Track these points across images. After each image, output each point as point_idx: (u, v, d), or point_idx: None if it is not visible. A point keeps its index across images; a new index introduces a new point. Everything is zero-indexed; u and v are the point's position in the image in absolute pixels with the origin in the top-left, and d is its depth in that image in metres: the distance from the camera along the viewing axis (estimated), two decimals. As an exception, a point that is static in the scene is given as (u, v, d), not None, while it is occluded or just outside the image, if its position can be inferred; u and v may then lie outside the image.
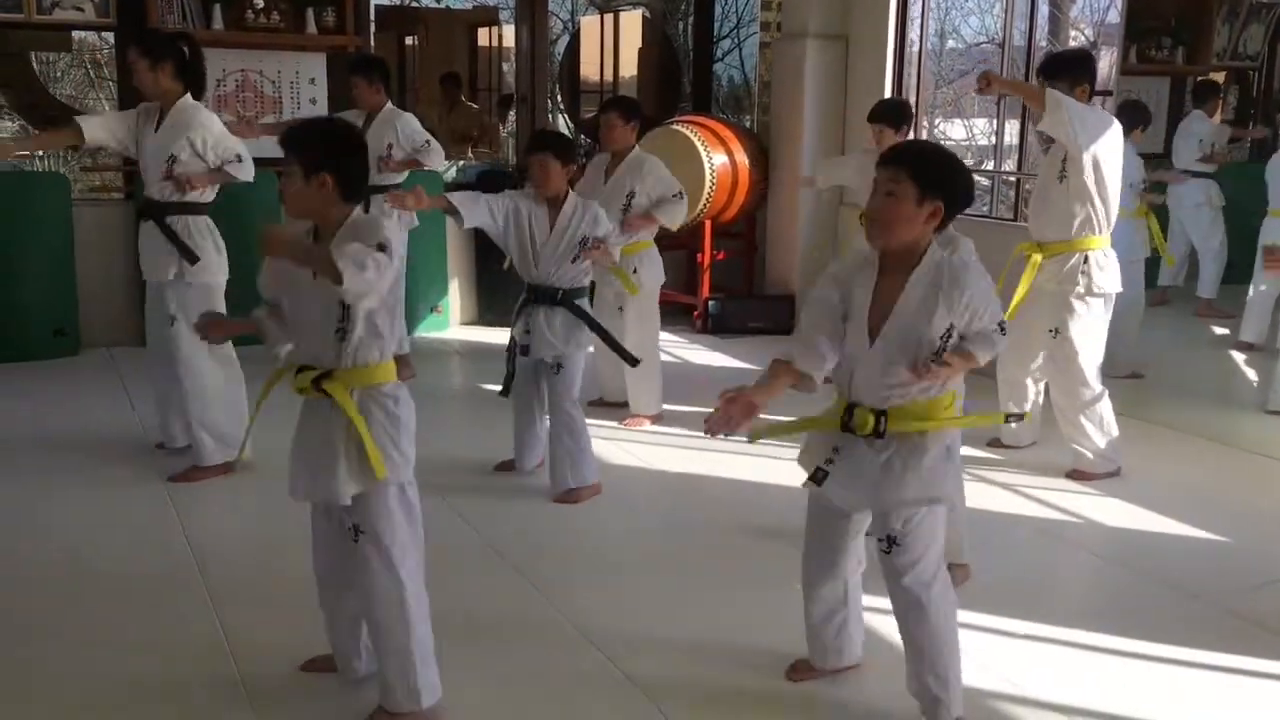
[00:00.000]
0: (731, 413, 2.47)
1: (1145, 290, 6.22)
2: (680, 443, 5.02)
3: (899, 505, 2.57)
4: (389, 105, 5.87)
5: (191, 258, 4.31)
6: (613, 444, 4.95)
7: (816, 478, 2.64)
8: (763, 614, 3.34)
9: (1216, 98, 6.85)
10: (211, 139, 4.32)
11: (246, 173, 4.41)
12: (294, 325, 2.64)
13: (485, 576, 3.63)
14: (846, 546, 2.78)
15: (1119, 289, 4.54)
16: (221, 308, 4.34)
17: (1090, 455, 4.58)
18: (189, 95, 4.33)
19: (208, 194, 4.41)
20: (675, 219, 5.21)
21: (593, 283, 5.26)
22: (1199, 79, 7.00)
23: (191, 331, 4.24)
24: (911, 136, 7.00)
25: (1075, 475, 4.61)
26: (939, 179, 2.46)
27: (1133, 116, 6.07)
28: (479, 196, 4.25)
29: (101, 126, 4.37)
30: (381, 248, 2.44)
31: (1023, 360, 4.69)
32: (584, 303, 4.33)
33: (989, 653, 3.15)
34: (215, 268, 4.39)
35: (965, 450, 4.91)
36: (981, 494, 4.48)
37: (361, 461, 2.53)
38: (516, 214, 4.22)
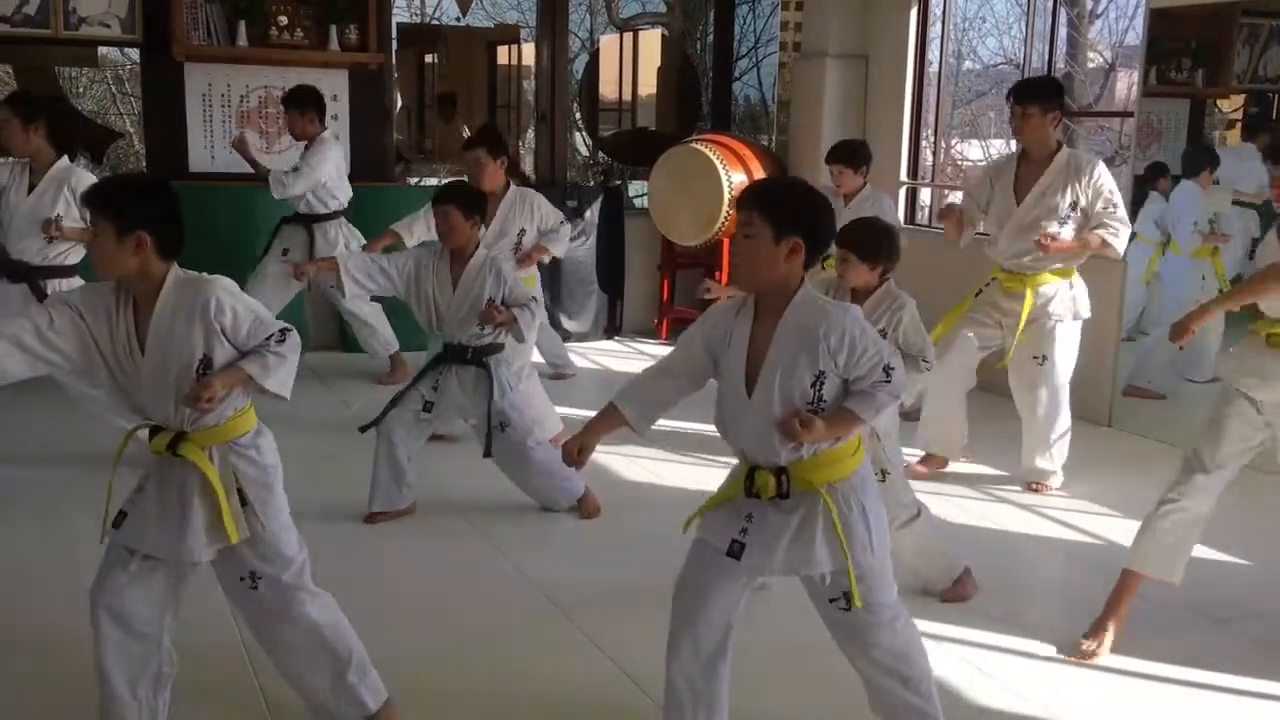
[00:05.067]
0: (569, 450, 2.53)
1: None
2: (696, 460, 5.03)
3: (818, 571, 2.42)
4: (325, 132, 5.82)
5: None
6: (625, 459, 4.95)
7: (733, 551, 2.45)
8: (800, 642, 3.33)
9: (1209, 168, 6.72)
10: None
11: None
12: (135, 391, 2.50)
13: (514, 603, 3.62)
14: (739, 602, 2.54)
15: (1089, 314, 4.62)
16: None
17: (1059, 472, 4.72)
18: (65, 158, 4.42)
19: (73, 254, 4.45)
20: (564, 247, 5.19)
21: None
22: (1193, 147, 6.91)
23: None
24: (927, 166, 7.01)
25: (1038, 487, 4.71)
26: (793, 215, 2.35)
27: (1198, 159, 6.09)
28: (374, 262, 4.11)
29: None
30: (283, 334, 2.47)
31: (958, 392, 4.72)
32: (500, 359, 4.15)
33: (1009, 673, 3.14)
34: None
35: (983, 469, 4.93)
36: (1003, 515, 4.48)
37: (224, 520, 2.47)
38: (417, 272, 4.10)
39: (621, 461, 4.93)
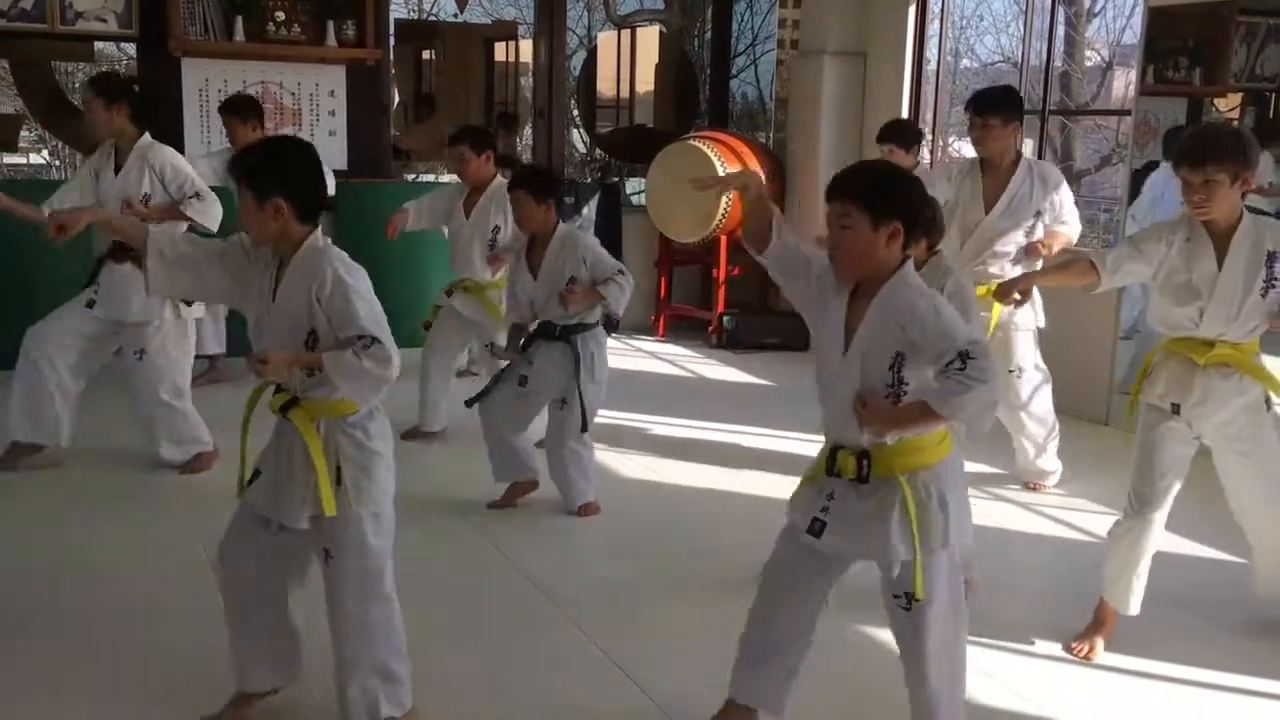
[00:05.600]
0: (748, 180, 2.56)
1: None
2: (692, 459, 5.03)
3: (892, 559, 2.40)
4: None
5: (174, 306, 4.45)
6: (621, 456, 4.95)
7: (814, 529, 2.46)
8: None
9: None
10: (170, 171, 4.39)
11: (207, 216, 4.40)
12: (259, 343, 2.57)
13: (514, 602, 3.60)
14: (819, 589, 2.59)
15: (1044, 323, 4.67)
16: (193, 339, 4.60)
17: (1057, 470, 4.76)
18: (147, 134, 4.43)
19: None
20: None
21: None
22: (1178, 129, 6.92)
23: (155, 362, 4.45)
24: (924, 155, 7.01)
25: (1035, 486, 4.75)
26: (889, 201, 2.33)
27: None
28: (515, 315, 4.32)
29: (63, 200, 4.42)
30: (371, 342, 2.44)
31: None
32: (587, 338, 4.17)
33: (1009, 672, 3.14)
34: (196, 306, 4.54)
35: (982, 468, 4.93)
36: (1001, 513, 4.48)
37: (321, 490, 2.51)
38: (512, 264, 4.24)
39: (618, 459, 4.93)
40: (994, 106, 4.44)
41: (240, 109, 5.71)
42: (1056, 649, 3.30)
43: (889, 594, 2.49)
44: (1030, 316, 4.52)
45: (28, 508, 4.24)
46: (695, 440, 5.30)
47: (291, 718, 2.80)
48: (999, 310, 4.43)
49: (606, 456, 4.86)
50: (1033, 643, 3.33)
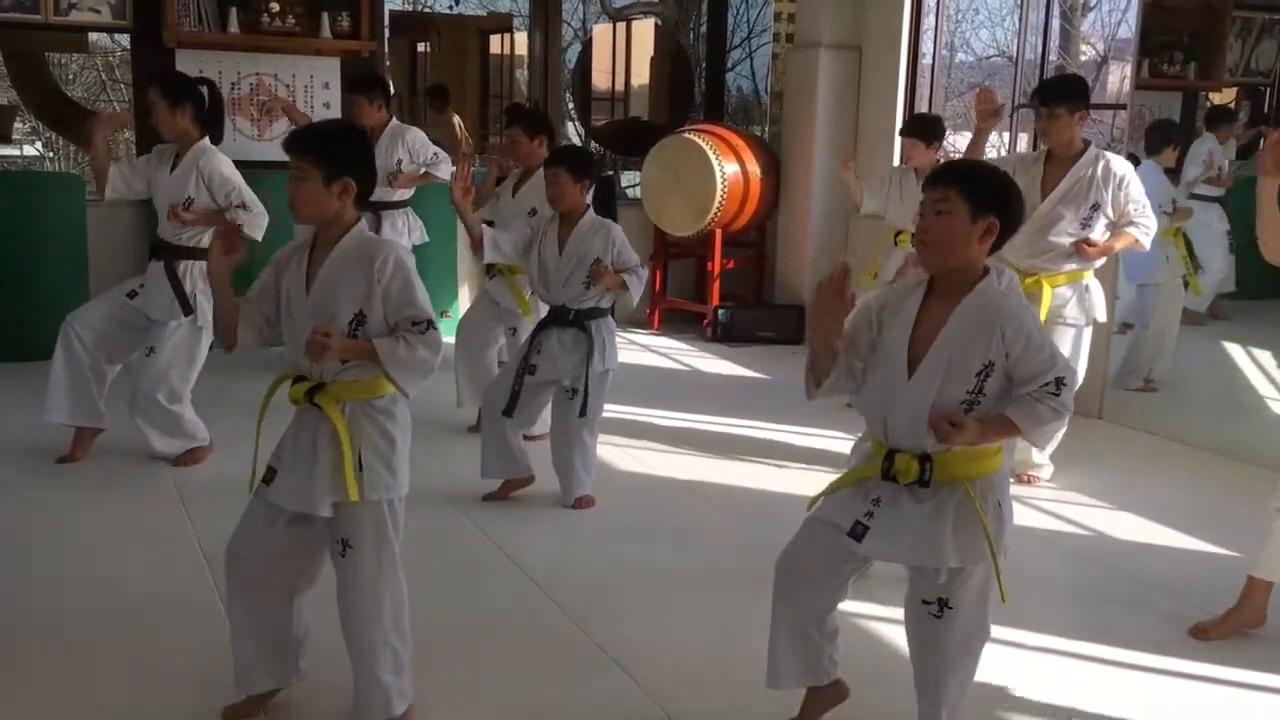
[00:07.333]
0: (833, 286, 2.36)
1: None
2: (685, 451, 5.04)
3: (944, 564, 2.37)
4: (393, 121, 5.77)
5: (186, 308, 4.39)
6: (615, 449, 4.95)
7: (855, 533, 2.40)
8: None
9: (1231, 123, 6.80)
10: (218, 179, 4.32)
11: (253, 227, 4.32)
12: (290, 335, 2.57)
13: (510, 596, 3.59)
14: (846, 583, 2.58)
15: (1105, 318, 4.59)
16: (204, 350, 4.53)
17: (1049, 464, 4.72)
18: (207, 139, 4.37)
19: (208, 239, 4.41)
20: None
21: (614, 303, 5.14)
22: (1213, 104, 6.99)
23: (160, 363, 4.41)
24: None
25: (1028, 479, 4.70)
26: (991, 194, 2.31)
27: (1162, 135, 6.06)
28: (498, 237, 4.27)
29: (121, 179, 4.47)
30: (427, 326, 2.48)
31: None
32: (600, 324, 4.19)
33: (999, 664, 3.14)
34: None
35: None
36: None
37: (346, 474, 2.50)
38: (533, 239, 4.22)
39: (613, 452, 4.93)
40: (1060, 95, 4.35)
41: (368, 86, 5.69)
42: (1047, 641, 3.30)
43: (918, 599, 2.49)
44: (1078, 312, 4.45)
45: (21, 499, 4.23)
46: (690, 433, 5.31)
47: (296, 717, 2.79)
48: (1049, 301, 4.40)
49: (602, 449, 4.85)
50: (1023, 633, 3.33)
